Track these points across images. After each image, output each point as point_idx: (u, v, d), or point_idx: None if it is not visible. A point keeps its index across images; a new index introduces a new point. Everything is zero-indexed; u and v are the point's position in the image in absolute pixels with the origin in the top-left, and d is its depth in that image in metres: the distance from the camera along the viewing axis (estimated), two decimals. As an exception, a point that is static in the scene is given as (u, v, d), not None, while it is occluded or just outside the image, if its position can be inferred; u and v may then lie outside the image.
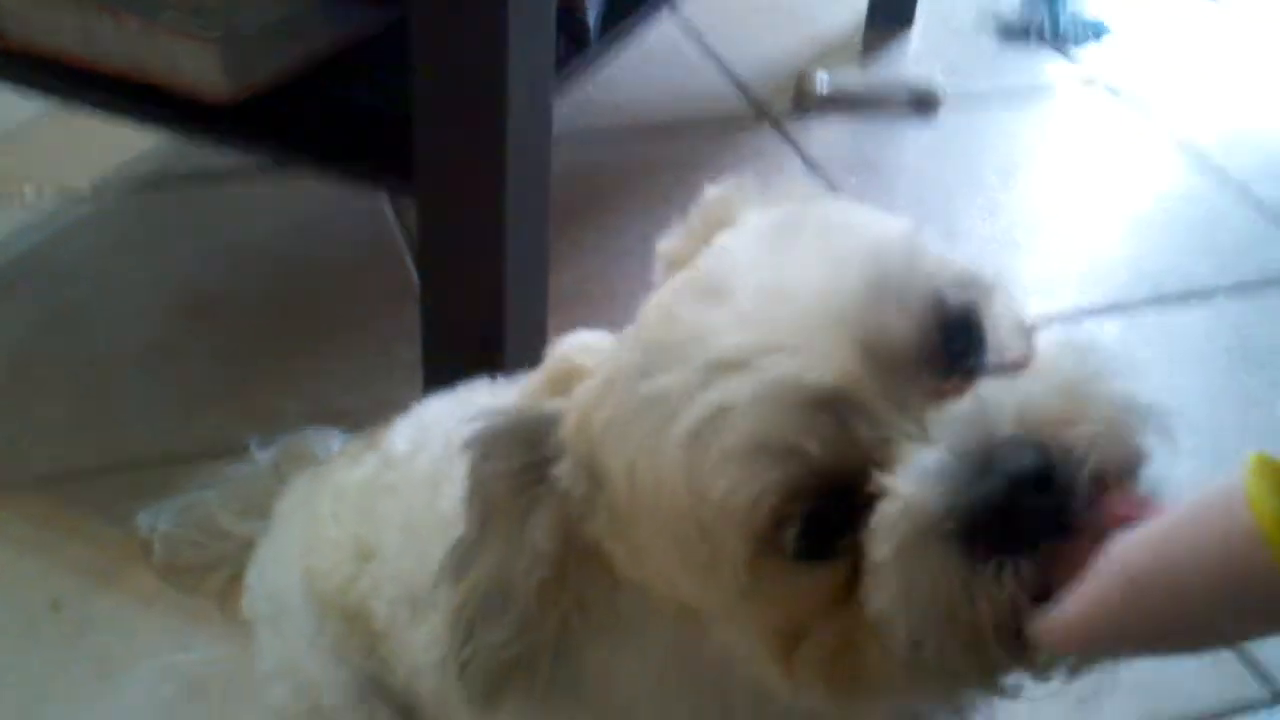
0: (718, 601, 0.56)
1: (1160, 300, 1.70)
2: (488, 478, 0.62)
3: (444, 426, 0.88)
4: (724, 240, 0.59)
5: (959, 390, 0.52)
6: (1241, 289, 1.74)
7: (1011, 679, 0.53)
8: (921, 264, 0.54)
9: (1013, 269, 1.75)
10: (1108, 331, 1.64)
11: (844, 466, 0.51)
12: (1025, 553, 0.49)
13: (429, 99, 1.09)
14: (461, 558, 0.64)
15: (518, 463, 0.61)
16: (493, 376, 0.92)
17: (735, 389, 0.51)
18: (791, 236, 0.56)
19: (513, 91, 1.07)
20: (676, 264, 0.61)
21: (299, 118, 1.24)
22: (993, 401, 0.51)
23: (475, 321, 1.21)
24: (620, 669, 0.67)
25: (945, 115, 2.08)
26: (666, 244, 0.63)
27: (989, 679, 0.53)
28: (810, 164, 1.93)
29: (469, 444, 0.62)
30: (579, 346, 0.63)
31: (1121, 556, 0.47)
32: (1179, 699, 1.18)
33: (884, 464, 0.51)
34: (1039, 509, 0.49)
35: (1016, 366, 0.55)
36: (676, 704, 0.67)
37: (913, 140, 2.03)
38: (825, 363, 0.51)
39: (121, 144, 1.83)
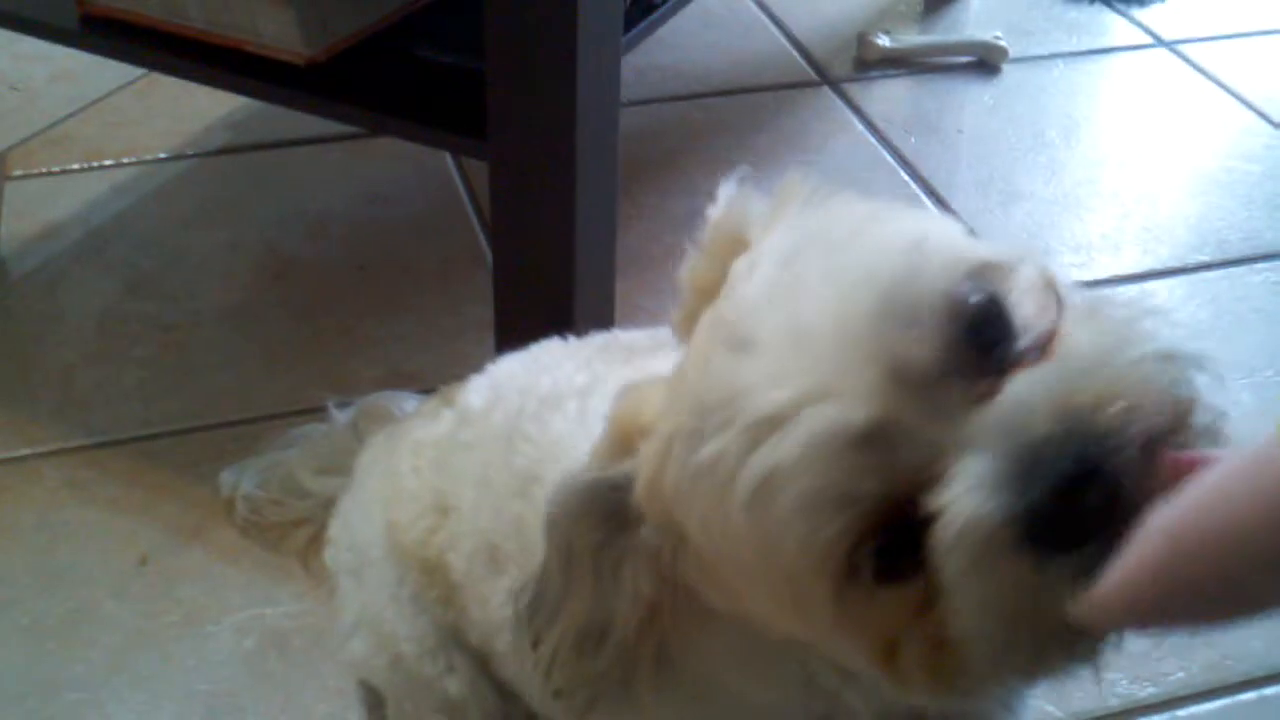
0: (813, 631, 0.58)
1: (1225, 261, 1.70)
2: (570, 546, 0.63)
3: (517, 383, 0.90)
4: (739, 273, 0.59)
5: (996, 389, 0.52)
6: (1307, 248, 1.73)
7: (1090, 654, 0.54)
8: (930, 270, 0.54)
9: (1075, 230, 1.75)
10: (1172, 292, 1.64)
11: (901, 491, 0.52)
12: (1089, 542, 0.49)
13: (501, 58, 1.10)
14: (550, 607, 0.65)
15: (598, 533, 0.62)
16: (563, 335, 0.95)
17: (779, 449, 0.52)
18: (799, 267, 0.56)
19: (583, 49, 1.08)
20: (702, 290, 0.61)
21: (373, 78, 1.26)
22: (1024, 399, 0.51)
23: (546, 281, 1.23)
24: (704, 648, 0.68)
25: (1007, 75, 2.08)
26: (687, 271, 0.63)
27: (1072, 659, 0.54)
28: (870, 125, 1.93)
29: (549, 518, 0.63)
30: (634, 398, 0.63)
31: (1162, 520, 0.47)
32: (1246, 661, 1.19)
33: (936, 480, 0.51)
34: (1092, 504, 0.49)
35: (1052, 338, 0.55)
36: (762, 674, 0.69)
37: (974, 100, 2.03)
38: (858, 402, 0.51)
39: (198, 113, 1.87)
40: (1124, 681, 1.15)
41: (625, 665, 0.65)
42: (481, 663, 0.96)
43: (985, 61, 2.09)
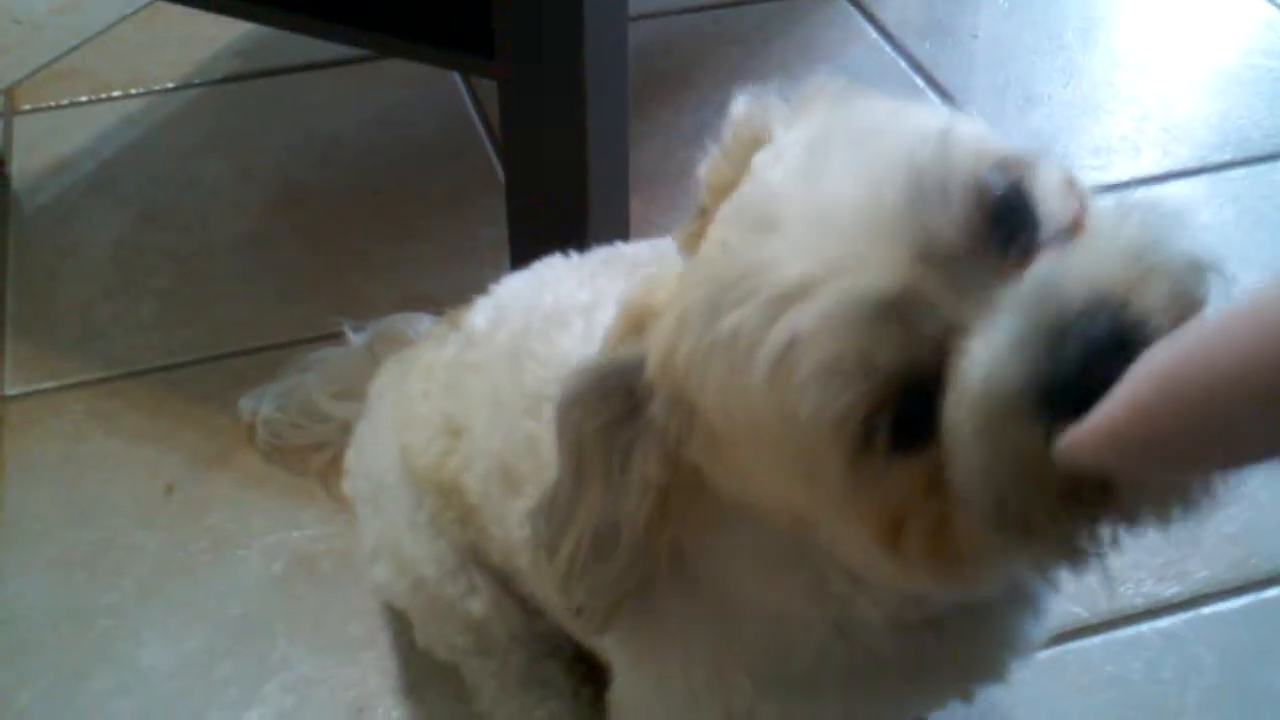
0: (823, 505, 0.58)
1: (1247, 159, 1.67)
2: (580, 433, 0.63)
3: (521, 302, 0.90)
4: (762, 163, 0.59)
5: (1020, 270, 0.53)
6: (1331, 145, 1.70)
7: (1089, 548, 0.54)
8: (958, 156, 0.54)
9: (1094, 132, 1.73)
10: (1194, 193, 1.62)
11: (921, 363, 0.52)
12: None
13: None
14: (563, 514, 0.66)
15: (609, 415, 0.62)
16: (566, 252, 0.94)
17: (802, 318, 0.52)
18: (826, 153, 0.56)
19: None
20: (720, 189, 0.61)
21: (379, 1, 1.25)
22: (1060, 272, 0.52)
23: (559, 201, 1.22)
24: (716, 550, 0.69)
25: (1023, -24, 2.05)
26: (706, 169, 0.63)
27: (1072, 539, 0.54)
28: (884, 32, 1.90)
29: (560, 404, 0.64)
30: (647, 284, 0.64)
31: (1154, 359, 0.46)
32: (1271, 558, 1.19)
33: (959, 351, 0.52)
34: (1115, 376, 0.48)
35: (1074, 228, 0.56)
36: (775, 580, 0.69)
37: (989, 3, 1.99)
38: (882, 273, 0.51)
39: (204, 40, 1.86)
40: (1149, 581, 1.16)
41: (642, 568, 0.66)
42: (504, 581, 0.97)
43: (1000, -37, 2.06)
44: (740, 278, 0.55)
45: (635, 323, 0.63)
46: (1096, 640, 1.13)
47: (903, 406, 0.53)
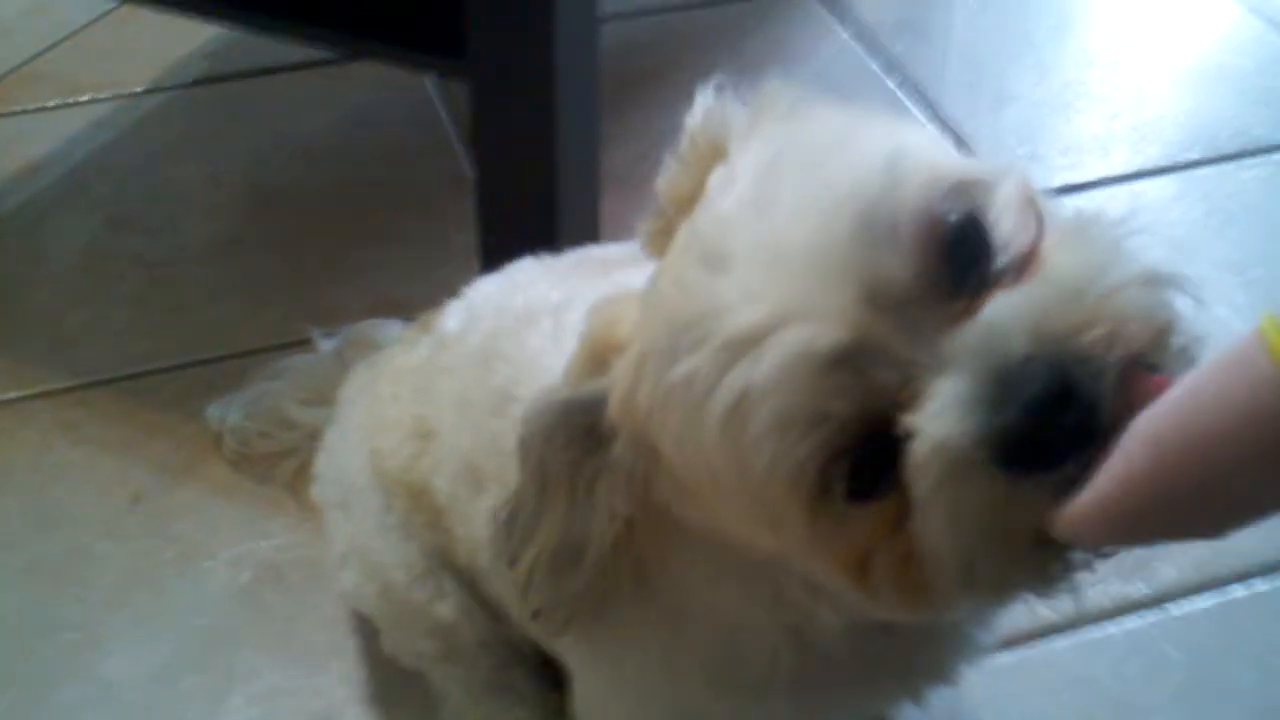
0: (789, 546, 0.58)
1: (1216, 157, 1.68)
2: (544, 463, 0.63)
3: (492, 304, 0.90)
4: (716, 186, 0.58)
5: (973, 309, 0.52)
6: (1300, 143, 1.70)
7: (1062, 575, 0.54)
8: (909, 187, 0.53)
9: (1065, 131, 1.73)
10: (1162, 191, 1.63)
11: (874, 411, 0.51)
12: (1061, 466, 0.49)
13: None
14: (524, 528, 0.66)
15: (573, 452, 0.62)
16: (538, 254, 0.94)
17: (754, 369, 0.51)
18: (775, 181, 0.55)
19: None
20: (680, 200, 0.60)
21: (350, 2, 1.24)
22: (1003, 321, 0.51)
23: (530, 203, 1.22)
24: (676, 565, 0.69)
25: (995, -26, 2.05)
26: (664, 182, 0.63)
27: (1042, 581, 0.54)
28: (856, 31, 1.90)
29: (523, 437, 0.63)
30: (609, 315, 0.63)
31: (1144, 426, 0.46)
32: (1237, 556, 1.19)
33: (910, 400, 0.51)
34: (1066, 425, 0.49)
35: (1033, 251, 0.55)
36: (731, 589, 0.69)
37: (962, 2, 1.99)
38: (832, 323, 0.50)
39: (174, 43, 1.85)
40: (1116, 581, 1.16)
41: (602, 584, 0.66)
42: (470, 583, 0.97)
43: (972, -39, 2.06)
44: (694, 320, 0.54)
45: (597, 358, 0.62)
46: (1064, 641, 1.13)
47: (859, 454, 0.52)
